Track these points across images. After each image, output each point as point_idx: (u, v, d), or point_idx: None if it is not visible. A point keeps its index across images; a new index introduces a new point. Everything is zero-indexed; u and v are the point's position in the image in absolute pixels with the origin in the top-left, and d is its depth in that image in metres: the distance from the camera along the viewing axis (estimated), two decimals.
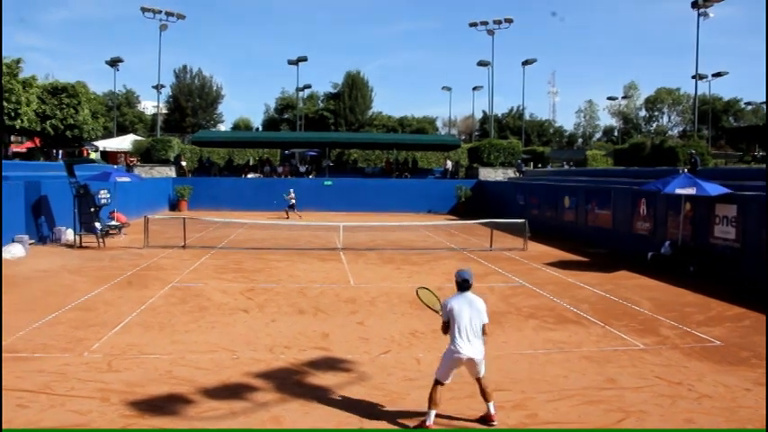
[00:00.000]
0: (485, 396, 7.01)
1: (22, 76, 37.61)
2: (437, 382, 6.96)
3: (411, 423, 6.95)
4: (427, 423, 6.81)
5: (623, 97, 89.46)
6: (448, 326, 6.98)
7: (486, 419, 7.01)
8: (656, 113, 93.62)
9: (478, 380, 7.06)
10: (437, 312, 7.26)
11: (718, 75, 61.47)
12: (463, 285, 7.08)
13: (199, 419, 6.94)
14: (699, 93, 58.31)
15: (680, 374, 8.75)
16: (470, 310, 6.92)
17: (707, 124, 71.70)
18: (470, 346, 6.85)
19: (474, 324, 6.90)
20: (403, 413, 7.23)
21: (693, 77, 51.74)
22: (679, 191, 16.55)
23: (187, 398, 7.55)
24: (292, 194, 35.10)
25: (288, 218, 33.37)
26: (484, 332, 7.02)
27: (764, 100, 70.41)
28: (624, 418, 7.16)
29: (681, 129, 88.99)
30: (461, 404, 7.47)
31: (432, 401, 6.88)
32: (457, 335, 6.87)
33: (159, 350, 9.50)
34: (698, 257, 16.92)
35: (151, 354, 9.28)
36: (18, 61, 37.00)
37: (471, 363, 6.91)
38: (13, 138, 47.62)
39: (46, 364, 8.64)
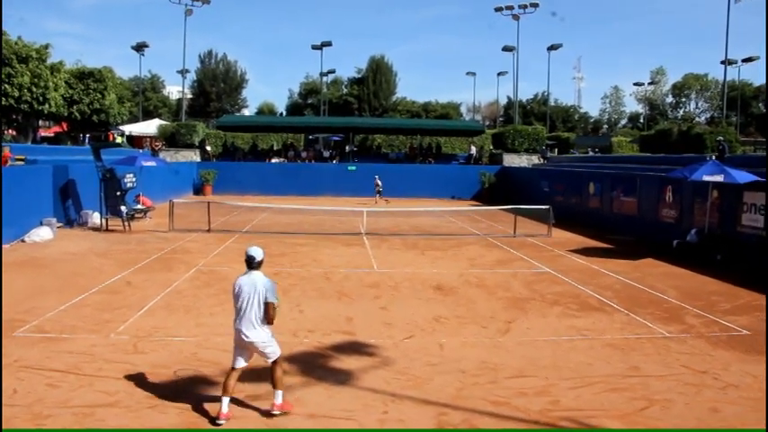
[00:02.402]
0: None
1: (50, 61, 38.02)
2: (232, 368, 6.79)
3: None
4: (222, 412, 6.52)
5: (650, 83, 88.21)
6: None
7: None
8: (684, 100, 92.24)
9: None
10: None
11: (748, 60, 60.20)
12: (249, 263, 6.92)
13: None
14: (728, 78, 57.37)
15: (705, 363, 8.67)
16: (251, 291, 6.70)
17: (736, 110, 70.39)
18: (251, 328, 6.62)
19: (253, 305, 6.65)
20: (426, 398, 7.24)
21: (723, 63, 50.93)
22: (706, 178, 16.32)
23: (212, 380, 7.64)
24: (378, 181, 35.40)
25: (377, 203, 33.75)
26: (267, 313, 6.68)
27: None
28: (648, 407, 7.12)
29: (709, 115, 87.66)
30: (483, 389, 7.48)
31: (224, 388, 6.66)
32: (236, 316, 6.76)
33: (184, 332, 9.61)
34: (725, 246, 16.68)
35: (176, 336, 9.40)
36: (46, 46, 37.40)
37: (253, 346, 6.70)
38: (41, 122, 48.24)
39: (74, 345, 8.80)
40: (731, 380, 8.01)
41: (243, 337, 6.67)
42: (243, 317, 6.69)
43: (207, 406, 6.88)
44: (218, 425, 6.46)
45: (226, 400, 6.59)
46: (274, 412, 6.71)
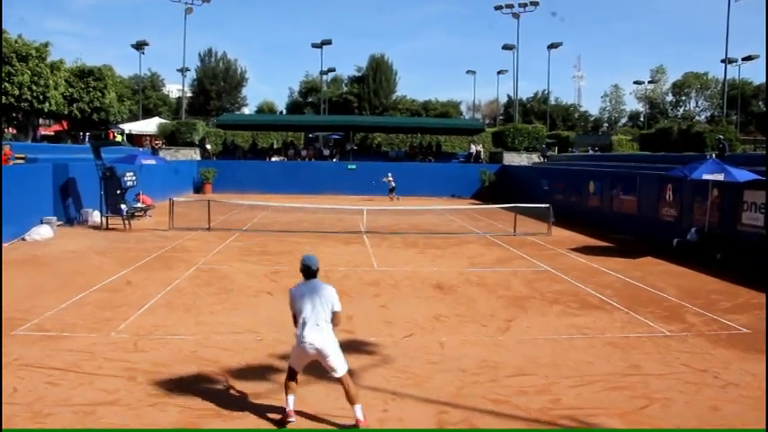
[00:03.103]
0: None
1: (50, 59, 38.01)
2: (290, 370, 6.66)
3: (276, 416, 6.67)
4: (288, 409, 6.49)
5: (650, 81, 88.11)
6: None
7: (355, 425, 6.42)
8: (684, 98, 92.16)
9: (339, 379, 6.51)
10: None
11: (748, 58, 60.17)
12: (306, 272, 6.63)
13: (224, 400, 7.02)
14: (728, 77, 57.33)
15: (705, 362, 8.67)
16: (314, 298, 6.40)
17: (736, 109, 70.37)
18: (316, 334, 6.34)
19: (318, 312, 6.37)
20: (426, 396, 7.24)
21: (723, 61, 50.86)
22: (706, 176, 16.31)
23: (212, 378, 7.65)
24: (390, 177, 35.34)
25: (391, 200, 34.23)
26: (334, 321, 6.51)
27: None
28: (648, 405, 7.12)
29: (709, 114, 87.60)
30: (483, 388, 7.49)
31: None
32: (300, 324, 6.42)
33: (184, 331, 9.61)
34: (725, 244, 16.67)
35: (176, 334, 9.40)
36: (46, 45, 37.40)
37: (320, 354, 6.41)
38: (41, 121, 48.25)
39: (74, 344, 8.80)
40: (731, 378, 8.01)
41: (307, 343, 6.39)
42: (310, 324, 6.37)
43: (207, 404, 6.89)
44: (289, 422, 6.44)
45: (291, 397, 6.55)
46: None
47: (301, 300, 6.42)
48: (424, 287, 13.24)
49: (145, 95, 74.91)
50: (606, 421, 6.72)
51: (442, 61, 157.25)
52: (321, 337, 6.35)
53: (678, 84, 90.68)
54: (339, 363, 6.48)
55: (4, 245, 16.46)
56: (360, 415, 6.34)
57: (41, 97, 36.51)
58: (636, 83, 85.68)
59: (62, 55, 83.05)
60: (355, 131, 50.84)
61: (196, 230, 20.94)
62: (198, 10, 51.57)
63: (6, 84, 34.17)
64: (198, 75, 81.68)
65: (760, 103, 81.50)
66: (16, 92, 34.74)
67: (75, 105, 41.87)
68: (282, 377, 7.23)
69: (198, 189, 39.11)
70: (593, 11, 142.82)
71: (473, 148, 46.38)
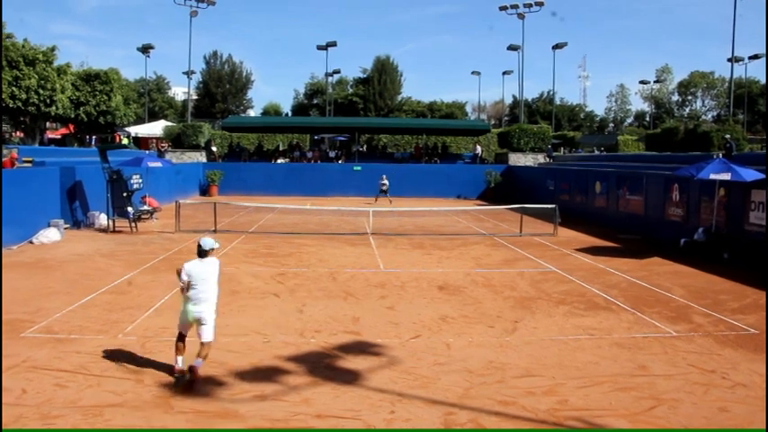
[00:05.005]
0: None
1: (56, 63, 38.19)
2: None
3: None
4: (176, 367, 7.69)
5: (656, 81, 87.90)
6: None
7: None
8: (690, 98, 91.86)
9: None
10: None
11: (755, 57, 59.91)
12: (200, 252, 7.88)
13: (230, 401, 7.04)
14: (735, 76, 57.08)
15: (713, 362, 8.64)
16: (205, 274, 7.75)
17: (743, 108, 70.09)
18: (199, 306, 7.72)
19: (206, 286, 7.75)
20: (434, 397, 7.24)
21: (729, 60, 50.62)
22: (713, 176, 16.27)
23: (219, 380, 7.67)
24: (385, 180, 35.16)
25: (381, 202, 33.15)
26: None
27: None
28: (656, 406, 7.10)
29: (715, 113, 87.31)
30: (490, 389, 7.49)
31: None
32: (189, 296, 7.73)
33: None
34: (732, 244, 16.63)
35: None
36: (53, 49, 37.58)
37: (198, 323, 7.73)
38: (48, 124, 48.46)
39: (82, 346, 8.84)
40: (740, 379, 7.98)
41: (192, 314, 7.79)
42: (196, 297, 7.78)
43: (213, 406, 6.91)
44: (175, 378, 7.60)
45: (180, 358, 7.78)
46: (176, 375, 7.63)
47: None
48: (431, 288, 13.23)
49: (151, 98, 75.12)
50: (614, 422, 6.71)
51: (447, 62, 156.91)
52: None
53: (684, 83, 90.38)
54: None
55: (12, 248, 16.54)
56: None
57: (48, 101, 36.68)
58: (641, 82, 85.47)
59: (68, 58, 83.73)
60: (361, 133, 50.87)
61: (202, 233, 20.93)
62: (203, 12, 51.63)
63: (14, 88, 34.35)
64: (203, 77, 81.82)
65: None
66: (24, 96, 34.90)
67: (81, 109, 42.03)
68: (290, 378, 7.27)
69: (204, 191, 39.18)
70: (598, 10, 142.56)
71: (478, 149, 46.37)
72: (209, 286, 7.79)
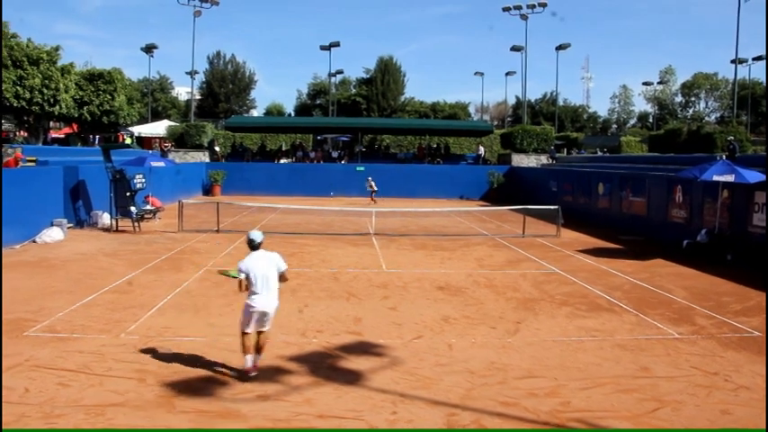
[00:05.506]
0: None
1: (60, 63, 38.26)
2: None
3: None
4: (247, 366, 7.69)
5: (659, 82, 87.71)
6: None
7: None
8: (693, 99, 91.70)
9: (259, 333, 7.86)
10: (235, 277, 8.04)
11: (758, 58, 59.77)
12: (251, 245, 8.01)
13: (233, 401, 7.05)
14: (738, 77, 56.99)
15: (716, 364, 8.63)
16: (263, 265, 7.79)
17: (746, 110, 69.91)
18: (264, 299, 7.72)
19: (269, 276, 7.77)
20: (436, 398, 7.24)
21: (733, 61, 50.58)
22: (717, 178, 16.24)
23: (221, 380, 7.67)
24: (371, 181, 35.09)
25: (375, 203, 32.97)
26: (282, 279, 7.96)
27: None
28: (659, 408, 7.09)
29: (718, 114, 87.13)
30: (493, 390, 7.49)
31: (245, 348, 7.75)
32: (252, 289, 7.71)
33: (194, 332, 9.64)
34: (735, 246, 16.60)
35: (186, 336, 9.43)
36: (57, 48, 37.64)
37: (264, 315, 7.77)
38: (51, 124, 48.54)
39: (85, 345, 8.85)
40: (743, 381, 7.96)
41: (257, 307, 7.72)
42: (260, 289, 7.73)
43: (216, 405, 6.91)
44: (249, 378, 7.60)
45: (249, 357, 7.75)
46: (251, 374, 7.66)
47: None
48: (433, 289, 13.23)
49: (154, 98, 75.17)
50: (616, 424, 6.70)
51: (450, 63, 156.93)
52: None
53: (687, 84, 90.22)
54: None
55: (15, 247, 16.57)
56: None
57: (52, 100, 36.75)
58: (645, 84, 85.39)
59: (71, 58, 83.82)
60: (364, 133, 50.87)
61: (205, 232, 21.01)
62: (206, 12, 51.70)
63: (18, 87, 34.43)
64: (207, 77, 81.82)
65: None
66: (27, 95, 34.98)
67: (85, 108, 42.09)
68: (292, 378, 7.28)
69: (207, 191, 39.23)
70: (601, 11, 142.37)
71: (481, 150, 46.36)
72: (271, 278, 7.81)
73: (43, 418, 6.45)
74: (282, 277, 7.96)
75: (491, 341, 9.58)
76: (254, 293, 7.68)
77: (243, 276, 7.71)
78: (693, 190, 19.29)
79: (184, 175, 35.36)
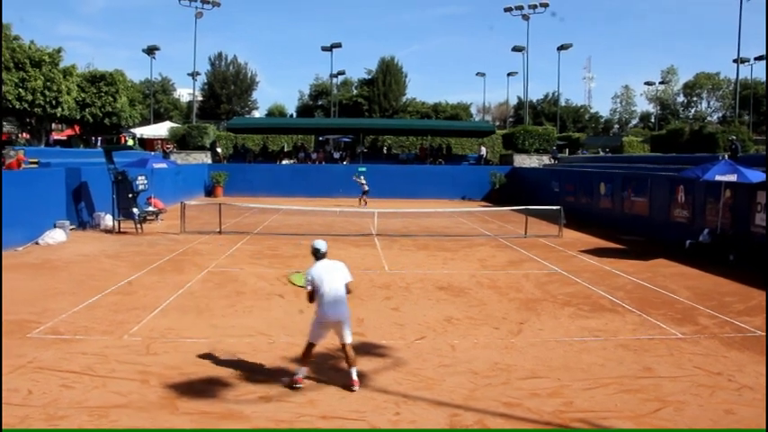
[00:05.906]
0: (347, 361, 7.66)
1: (62, 65, 38.29)
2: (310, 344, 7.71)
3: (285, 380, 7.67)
4: (297, 377, 7.54)
5: (661, 82, 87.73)
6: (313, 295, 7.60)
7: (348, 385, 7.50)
8: (695, 99, 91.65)
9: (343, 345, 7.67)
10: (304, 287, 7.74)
11: (760, 58, 59.65)
12: (316, 254, 7.78)
13: (236, 402, 7.05)
14: (740, 77, 56.91)
15: (719, 364, 8.61)
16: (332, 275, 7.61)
17: (748, 109, 69.83)
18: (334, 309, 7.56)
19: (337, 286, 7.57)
20: (439, 399, 7.24)
21: (735, 61, 50.51)
22: (719, 177, 16.23)
23: (225, 381, 7.67)
24: (362, 179, 34.78)
25: (366, 204, 32.63)
26: (347, 292, 7.70)
27: None
28: (662, 408, 7.08)
29: (721, 114, 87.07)
30: (496, 390, 7.49)
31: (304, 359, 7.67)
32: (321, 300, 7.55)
33: (197, 334, 9.65)
34: (738, 246, 16.58)
35: (189, 337, 9.43)
36: (59, 50, 37.66)
37: (338, 325, 7.63)
38: (53, 126, 48.58)
39: (88, 347, 8.85)
40: (746, 381, 7.95)
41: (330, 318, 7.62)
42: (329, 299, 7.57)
43: (219, 407, 6.92)
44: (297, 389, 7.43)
45: (304, 369, 7.67)
46: (354, 388, 7.47)
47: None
48: (436, 290, 13.23)
49: (156, 100, 75.32)
50: (619, 424, 6.70)
51: (451, 63, 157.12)
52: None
53: (689, 84, 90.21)
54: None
55: (18, 249, 16.60)
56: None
57: (54, 102, 36.75)
58: (647, 84, 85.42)
59: (73, 59, 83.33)
60: (365, 134, 50.88)
61: (207, 234, 21.03)
62: (208, 14, 51.75)
63: (20, 89, 34.46)
64: (208, 79, 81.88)
65: None
66: (30, 97, 35.01)
67: (87, 110, 42.10)
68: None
69: (209, 192, 39.27)
70: (603, 11, 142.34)
71: (483, 150, 46.34)
72: (340, 288, 7.64)
73: (47, 419, 6.46)
74: (347, 289, 7.73)
75: (494, 342, 9.57)
76: (325, 304, 7.54)
77: (310, 289, 7.56)
78: (696, 190, 19.27)
79: (186, 177, 35.44)
